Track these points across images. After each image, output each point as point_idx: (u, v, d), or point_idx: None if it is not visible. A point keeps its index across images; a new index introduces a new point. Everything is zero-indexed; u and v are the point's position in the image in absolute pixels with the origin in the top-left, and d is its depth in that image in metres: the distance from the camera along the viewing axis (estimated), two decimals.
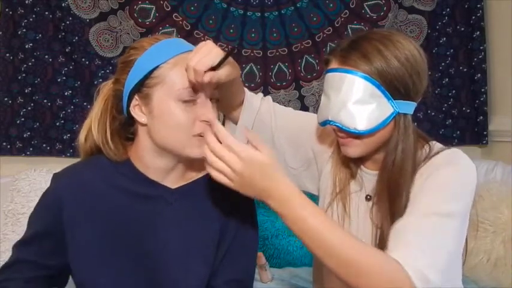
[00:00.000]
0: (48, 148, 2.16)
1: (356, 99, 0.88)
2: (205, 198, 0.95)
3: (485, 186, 1.97)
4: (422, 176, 0.90)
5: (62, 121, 2.16)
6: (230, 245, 0.95)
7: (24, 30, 2.11)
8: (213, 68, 0.82)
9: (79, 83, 2.16)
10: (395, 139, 0.91)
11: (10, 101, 2.12)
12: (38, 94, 2.14)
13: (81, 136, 0.94)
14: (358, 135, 0.91)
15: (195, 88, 0.85)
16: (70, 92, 2.16)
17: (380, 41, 0.89)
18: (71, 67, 2.16)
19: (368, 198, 1.00)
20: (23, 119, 2.14)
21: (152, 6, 2.22)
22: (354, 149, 0.93)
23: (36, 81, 2.13)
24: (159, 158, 0.91)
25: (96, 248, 0.90)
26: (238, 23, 2.27)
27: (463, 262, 0.95)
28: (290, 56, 2.32)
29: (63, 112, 2.16)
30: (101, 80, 2.09)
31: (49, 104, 2.15)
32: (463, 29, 2.41)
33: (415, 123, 0.95)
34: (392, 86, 0.88)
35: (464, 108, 2.44)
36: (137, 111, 0.89)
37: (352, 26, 2.34)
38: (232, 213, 0.96)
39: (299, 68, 2.33)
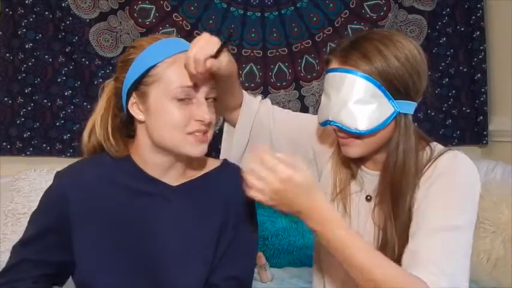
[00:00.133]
0: (48, 148, 2.16)
1: (357, 99, 0.88)
2: (205, 197, 0.96)
3: (485, 186, 1.96)
4: (427, 182, 0.91)
5: (62, 121, 2.16)
6: (230, 244, 0.95)
7: (24, 30, 2.11)
8: (213, 57, 0.83)
9: (79, 83, 2.16)
10: (396, 139, 0.91)
11: (10, 101, 2.12)
12: (38, 94, 2.14)
13: (85, 133, 0.95)
14: (358, 136, 0.91)
15: (195, 84, 0.86)
16: (70, 92, 2.16)
17: (380, 41, 0.89)
18: (71, 67, 2.16)
19: (368, 198, 1.00)
20: (23, 119, 2.14)
21: (152, 6, 2.22)
22: (355, 149, 0.93)
23: (36, 81, 2.13)
24: (158, 155, 0.92)
25: (97, 246, 0.91)
26: (238, 23, 2.27)
27: None
28: (290, 56, 2.32)
29: (63, 112, 2.16)
30: (101, 80, 2.09)
31: (49, 104, 2.15)
32: (463, 29, 2.41)
33: (415, 123, 0.95)
34: (393, 86, 0.88)
35: (464, 108, 2.44)
36: (135, 109, 0.90)
37: (352, 26, 2.34)
38: (233, 212, 0.96)
39: (299, 68, 2.33)
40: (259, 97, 1.14)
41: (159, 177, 0.94)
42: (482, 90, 2.41)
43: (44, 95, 2.14)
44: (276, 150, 1.09)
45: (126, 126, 0.96)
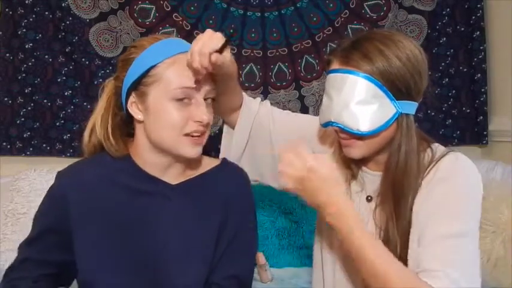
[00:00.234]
0: (48, 148, 2.16)
1: (358, 100, 0.88)
2: (205, 196, 0.96)
3: (485, 186, 1.94)
4: (428, 184, 0.91)
5: (62, 121, 2.16)
6: (230, 243, 0.96)
7: (24, 30, 2.11)
8: (217, 52, 0.84)
9: (79, 83, 2.16)
10: (398, 140, 0.91)
11: (10, 101, 2.12)
12: (38, 94, 2.13)
13: (86, 133, 0.96)
14: (360, 137, 0.91)
15: (196, 82, 0.86)
16: (70, 92, 2.16)
17: (381, 41, 0.89)
18: (71, 67, 2.15)
19: (369, 199, 1.00)
20: (23, 119, 2.13)
21: (152, 6, 2.21)
22: (357, 150, 0.93)
23: (36, 81, 2.13)
24: (156, 155, 0.92)
25: (97, 246, 0.91)
26: (238, 23, 2.27)
27: None
28: (290, 56, 2.32)
29: (63, 112, 2.16)
30: (101, 80, 2.08)
31: (49, 104, 2.15)
32: (463, 29, 2.41)
33: (416, 124, 0.95)
34: (395, 86, 0.88)
35: (464, 108, 2.43)
36: (134, 109, 0.91)
37: (352, 26, 2.34)
38: (232, 212, 0.96)
39: (299, 68, 2.33)
40: (259, 98, 1.15)
41: (159, 176, 0.94)
42: (482, 90, 2.40)
43: (44, 95, 2.14)
44: (276, 150, 1.09)
45: (126, 125, 0.97)
